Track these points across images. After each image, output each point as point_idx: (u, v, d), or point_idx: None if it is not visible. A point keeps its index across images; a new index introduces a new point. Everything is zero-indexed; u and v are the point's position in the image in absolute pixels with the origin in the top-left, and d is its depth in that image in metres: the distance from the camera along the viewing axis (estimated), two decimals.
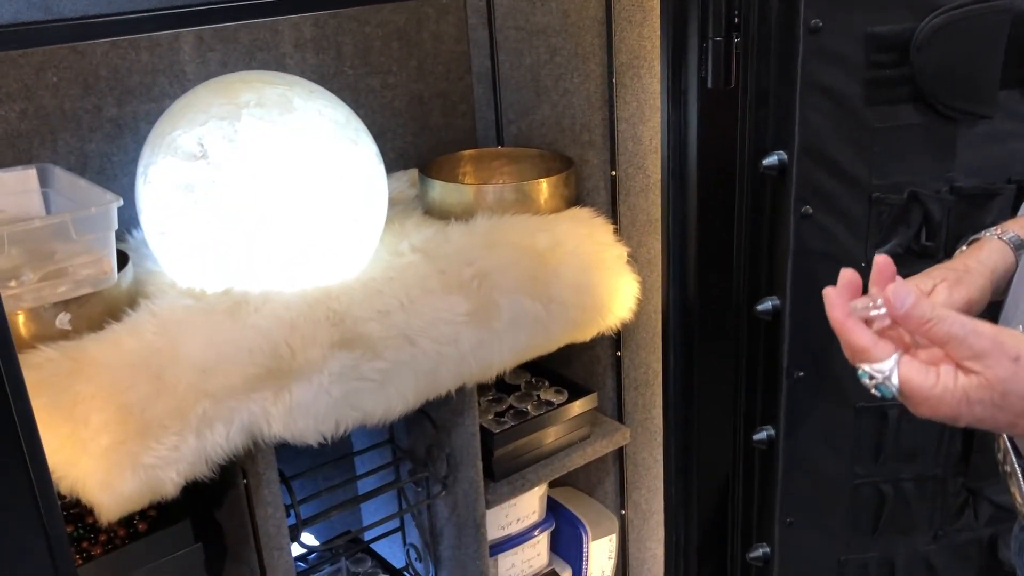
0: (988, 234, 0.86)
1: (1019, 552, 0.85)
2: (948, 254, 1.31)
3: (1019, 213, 0.98)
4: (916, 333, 0.67)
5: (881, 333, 0.70)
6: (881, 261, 0.73)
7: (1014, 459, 0.80)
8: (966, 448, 1.40)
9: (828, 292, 0.71)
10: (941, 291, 0.79)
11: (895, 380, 0.66)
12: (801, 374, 1.37)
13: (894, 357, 0.66)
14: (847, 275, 0.72)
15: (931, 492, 1.43)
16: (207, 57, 1.52)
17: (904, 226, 1.27)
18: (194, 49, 1.50)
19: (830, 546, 1.47)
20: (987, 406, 0.64)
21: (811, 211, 1.28)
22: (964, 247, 0.89)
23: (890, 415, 1.38)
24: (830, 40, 1.18)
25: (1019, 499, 0.80)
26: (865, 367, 0.68)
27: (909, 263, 1.30)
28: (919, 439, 1.39)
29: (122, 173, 1.48)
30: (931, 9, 1.17)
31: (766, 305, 1.36)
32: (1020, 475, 0.79)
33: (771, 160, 1.28)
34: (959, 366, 0.65)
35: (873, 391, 0.67)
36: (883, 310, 0.68)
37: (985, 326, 0.65)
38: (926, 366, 0.66)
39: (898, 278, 0.72)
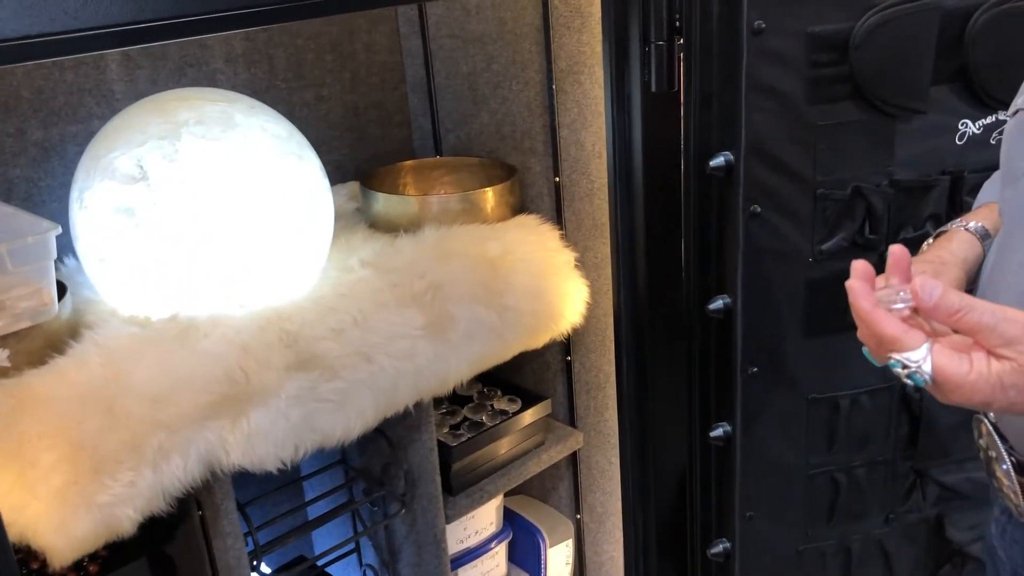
0: (954, 226, 0.89)
1: (1001, 535, 0.88)
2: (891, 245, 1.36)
3: (975, 204, 1.02)
4: (945, 323, 0.68)
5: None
6: (897, 251, 0.74)
7: (999, 443, 0.82)
8: (913, 431, 1.45)
9: (853, 284, 0.71)
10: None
11: (928, 368, 0.66)
12: (755, 370, 1.39)
13: (926, 346, 0.67)
14: (861, 266, 0.73)
15: (882, 477, 1.47)
16: (135, 75, 1.46)
17: (849, 220, 1.31)
18: (121, 67, 1.44)
19: (789, 537, 1.49)
20: (1021, 390, 0.65)
21: (759, 210, 1.30)
22: (931, 240, 0.91)
23: (841, 405, 1.41)
24: (773, 41, 1.20)
25: (1005, 482, 0.82)
26: (897, 357, 0.68)
27: (854, 256, 1.33)
28: (869, 426, 1.43)
29: (50, 199, 1.42)
30: (867, 9, 1.20)
31: (718, 304, 1.38)
32: (1007, 458, 0.82)
33: (718, 161, 1.30)
34: (991, 353, 0.66)
35: (905, 380, 0.68)
36: (909, 302, 0.69)
37: (1014, 312, 0.66)
38: (959, 353, 0.67)
39: (922, 275, 0.71)
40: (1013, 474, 0.81)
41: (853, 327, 1.37)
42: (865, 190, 1.28)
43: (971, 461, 1.47)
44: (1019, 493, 0.82)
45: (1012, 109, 0.85)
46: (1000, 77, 1.26)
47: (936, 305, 0.67)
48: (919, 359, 0.67)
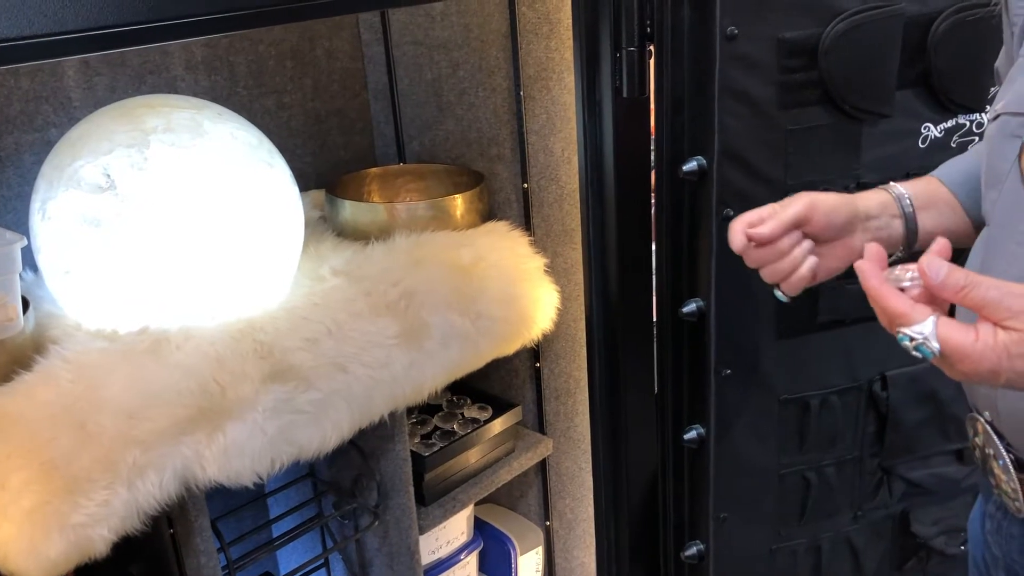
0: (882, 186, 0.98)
1: (996, 531, 0.90)
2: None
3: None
4: (952, 300, 0.70)
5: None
6: (944, 242, 0.75)
7: (996, 440, 0.84)
8: (880, 429, 1.48)
9: (862, 265, 0.73)
10: (787, 199, 0.96)
11: (934, 340, 0.68)
12: (728, 372, 1.40)
13: (932, 318, 0.69)
14: (874, 248, 0.76)
15: (850, 474, 1.50)
16: (94, 82, 1.42)
17: None
18: (79, 74, 1.40)
19: (761, 537, 1.51)
20: None
21: (732, 213, 1.31)
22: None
23: (811, 405, 1.43)
24: (745, 47, 1.22)
25: (1003, 478, 0.84)
26: (905, 330, 0.69)
27: None
28: (838, 425, 1.46)
29: (5, 210, 1.37)
30: (834, 15, 1.22)
31: (691, 307, 1.39)
32: (1005, 455, 0.83)
33: (691, 165, 1.31)
34: (997, 324, 0.67)
35: (914, 353, 0.69)
36: (917, 279, 0.71)
37: (1019, 287, 0.68)
38: (964, 324, 0.68)
39: (929, 255, 0.74)
40: (1012, 471, 0.83)
41: (822, 328, 1.41)
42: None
43: (936, 457, 1.50)
44: (1018, 489, 0.83)
45: (992, 113, 0.87)
46: (960, 82, 1.30)
47: (943, 283, 0.69)
48: (927, 332, 0.68)
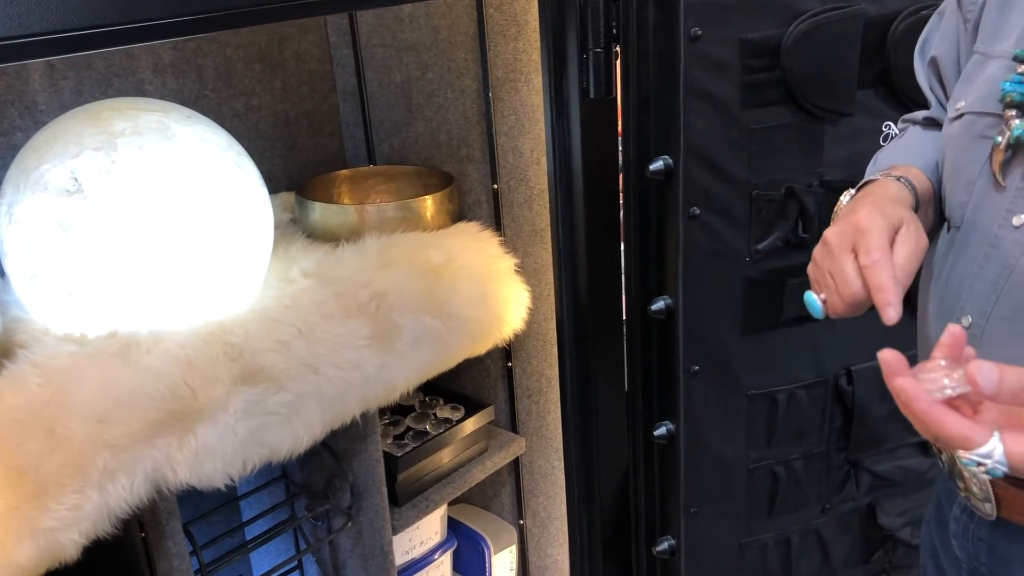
0: (881, 175, 0.90)
1: (963, 533, 0.90)
2: None
3: (874, 167, 1.02)
4: (1010, 403, 0.63)
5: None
6: (957, 332, 0.68)
7: None
8: (846, 423, 1.50)
9: (904, 384, 0.64)
10: (900, 246, 0.78)
11: (1003, 460, 0.62)
12: (696, 368, 1.42)
13: (996, 437, 0.62)
14: (894, 359, 0.65)
15: (818, 468, 1.52)
16: (59, 86, 1.41)
17: (783, 220, 1.35)
18: (44, 78, 1.39)
19: (731, 531, 1.53)
20: None
21: (698, 212, 1.33)
22: (853, 192, 0.92)
23: (779, 399, 1.46)
24: (709, 48, 1.24)
25: (973, 480, 0.85)
26: (969, 456, 0.63)
27: (788, 255, 1.39)
28: (805, 419, 1.48)
29: None
30: (796, 16, 1.25)
31: (659, 305, 1.41)
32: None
33: (657, 165, 1.33)
34: None
35: (983, 476, 0.65)
36: (965, 388, 0.63)
37: None
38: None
39: (975, 361, 0.64)
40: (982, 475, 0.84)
41: (788, 324, 1.43)
42: (798, 191, 1.33)
43: (902, 449, 1.53)
44: (989, 491, 0.83)
45: (953, 111, 0.86)
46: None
47: (998, 390, 0.62)
48: (995, 456, 0.62)
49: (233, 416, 1.17)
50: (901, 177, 0.90)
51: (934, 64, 0.98)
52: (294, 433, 1.25)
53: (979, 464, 0.63)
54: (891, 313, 0.73)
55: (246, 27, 1.65)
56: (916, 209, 0.87)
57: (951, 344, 0.67)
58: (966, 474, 0.86)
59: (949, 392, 0.64)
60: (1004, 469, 0.63)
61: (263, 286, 1.35)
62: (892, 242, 0.79)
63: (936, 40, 0.97)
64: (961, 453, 0.63)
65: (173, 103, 1.29)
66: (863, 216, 0.80)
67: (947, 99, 0.96)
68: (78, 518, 1.05)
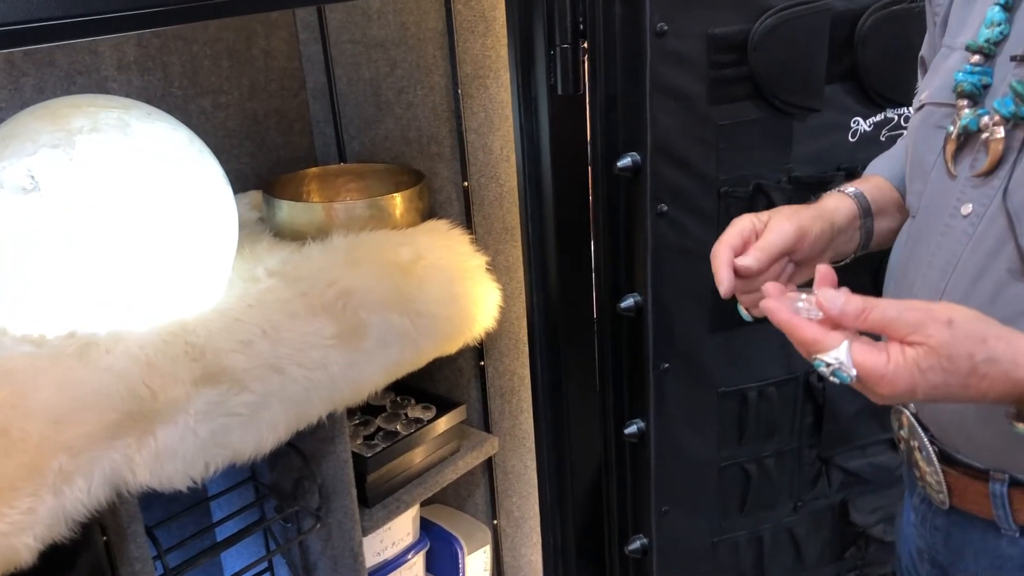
0: (836, 190, 0.97)
1: (922, 523, 0.91)
2: None
3: (865, 173, 1.06)
4: (855, 327, 0.71)
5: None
6: (823, 269, 0.78)
7: (921, 432, 0.85)
8: (817, 420, 1.50)
9: (767, 304, 0.74)
10: (773, 223, 0.90)
11: (850, 365, 0.69)
12: (666, 366, 1.41)
13: (845, 344, 0.69)
14: (772, 286, 0.77)
15: (789, 465, 1.52)
16: (21, 83, 1.39)
17: None
18: (4, 75, 1.37)
19: (704, 530, 1.52)
20: (938, 371, 0.67)
21: (666, 208, 1.32)
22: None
23: (749, 397, 1.45)
24: (675, 43, 1.23)
25: (927, 470, 0.85)
26: (820, 357, 0.70)
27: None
28: (776, 416, 1.47)
29: None
30: (763, 11, 1.24)
31: (628, 302, 1.40)
32: (929, 447, 0.84)
33: (625, 162, 1.32)
34: (903, 342, 0.68)
35: (831, 379, 0.70)
36: (817, 312, 0.72)
37: (914, 302, 0.69)
38: (877, 346, 0.69)
39: (822, 288, 0.75)
40: (936, 463, 0.84)
41: (757, 321, 1.42)
42: (766, 187, 1.32)
43: (873, 446, 1.53)
44: (942, 481, 0.84)
45: (916, 103, 0.88)
46: (887, 76, 1.32)
47: (842, 311, 0.70)
48: (841, 357, 0.69)
49: (194, 417, 1.16)
50: (853, 191, 0.97)
51: (921, 62, 0.99)
52: (258, 434, 1.24)
53: (827, 365, 0.69)
54: (721, 292, 0.92)
55: (214, 20, 1.63)
56: (866, 217, 0.96)
57: (819, 280, 0.77)
58: (921, 462, 0.87)
59: (802, 306, 0.74)
60: (852, 373, 0.69)
61: (227, 285, 1.33)
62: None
63: (925, 39, 0.98)
64: (815, 356, 0.71)
65: (134, 100, 1.27)
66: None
67: None
68: (32, 522, 1.03)
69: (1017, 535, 0.81)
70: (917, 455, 0.87)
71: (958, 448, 0.83)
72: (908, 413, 0.87)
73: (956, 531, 0.87)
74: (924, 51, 0.98)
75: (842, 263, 0.99)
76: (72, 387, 1.09)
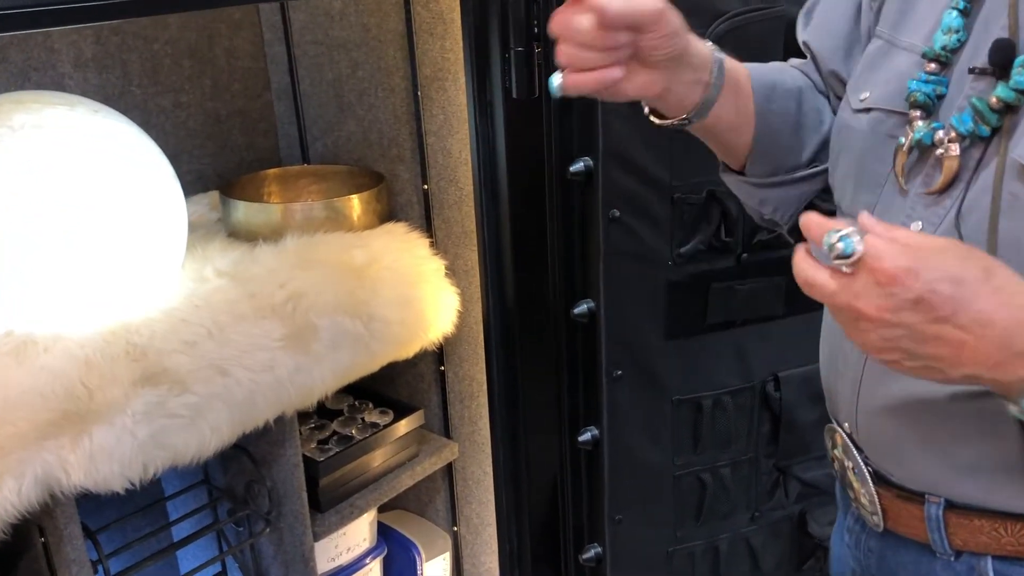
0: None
1: (856, 544, 0.89)
2: (746, 248, 1.39)
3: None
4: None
5: None
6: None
7: (855, 452, 0.83)
8: (774, 429, 1.49)
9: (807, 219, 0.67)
10: None
11: (860, 239, 0.62)
12: (619, 372, 1.40)
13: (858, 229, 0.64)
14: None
15: (746, 475, 1.51)
16: None
17: (705, 223, 1.33)
18: None
19: (658, 539, 1.51)
20: (952, 260, 0.62)
21: (618, 214, 1.31)
22: None
23: (704, 405, 1.44)
24: None
25: (861, 491, 0.83)
26: (831, 230, 0.63)
27: (711, 259, 1.37)
28: (732, 425, 1.46)
29: None
30: (717, 16, 1.23)
31: (582, 308, 1.39)
32: (863, 467, 0.83)
33: (578, 167, 1.31)
34: None
35: (838, 245, 0.62)
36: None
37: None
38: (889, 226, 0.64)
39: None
40: (870, 483, 0.82)
41: (712, 329, 1.41)
42: (719, 194, 1.31)
43: None
44: (876, 503, 0.82)
45: (859, 103, 0.82)
46: None
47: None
48: (852, 229, 0.63)
49: (132, 418, 1.14)
50: (719, 54, 0.85)
51: (806, 46, 0.95)
52: (200, 436, 1.22)
53: (837, 233, 0.63)
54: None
55: (175, 19, 1.62)
56: (718, 77, 0.84)
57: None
58: (855, 482, 0.85)
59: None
60: (859, 247, 0.62)
61: (176, 286, 1.32)
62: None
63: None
64: (828, 232, 0.63)
65: (80, 96, 1.26)
66: None
67: (825, 64, 0.93)
68: None
69: (952, 559, 0.78)
70: (851, 475, 0.85)
71: (891, 472, 0.81)
72: (842, 432, 0.85)
73: (890, 554, 0.85)
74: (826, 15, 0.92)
75: (676, 125, 0.88)
76: (4, 387, 1.08)
